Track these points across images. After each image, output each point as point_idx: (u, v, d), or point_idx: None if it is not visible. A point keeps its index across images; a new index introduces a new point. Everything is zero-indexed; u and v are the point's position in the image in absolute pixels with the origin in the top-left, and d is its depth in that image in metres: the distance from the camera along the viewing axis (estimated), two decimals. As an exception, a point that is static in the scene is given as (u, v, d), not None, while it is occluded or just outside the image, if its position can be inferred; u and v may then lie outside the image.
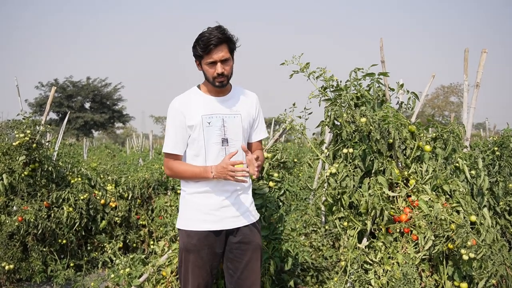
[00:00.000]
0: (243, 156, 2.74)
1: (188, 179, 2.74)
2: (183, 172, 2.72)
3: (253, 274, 2.78)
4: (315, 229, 5.25)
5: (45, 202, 4.86)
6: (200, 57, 2.64)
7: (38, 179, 4.92)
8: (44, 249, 4.91)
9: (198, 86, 2.81)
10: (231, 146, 2.72)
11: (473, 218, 2.88)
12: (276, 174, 3.52)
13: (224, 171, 2.52)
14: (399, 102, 3.32)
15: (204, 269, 2.73)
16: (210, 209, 2.71)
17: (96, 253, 5.38)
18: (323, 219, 5.22)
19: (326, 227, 5.09)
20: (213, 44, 2.56)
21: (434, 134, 3.25)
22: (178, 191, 5.83)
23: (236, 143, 2.74)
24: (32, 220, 4.61)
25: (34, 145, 4.80)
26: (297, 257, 3.76)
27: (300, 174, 7.69)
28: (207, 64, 2.62)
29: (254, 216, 2.86)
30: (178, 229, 2.81)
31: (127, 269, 3.85)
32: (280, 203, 3.56)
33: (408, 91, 3.25)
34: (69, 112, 8.99)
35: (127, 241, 5.64)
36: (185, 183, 2.80)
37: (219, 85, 2.67)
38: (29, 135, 4.77)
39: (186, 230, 2.73)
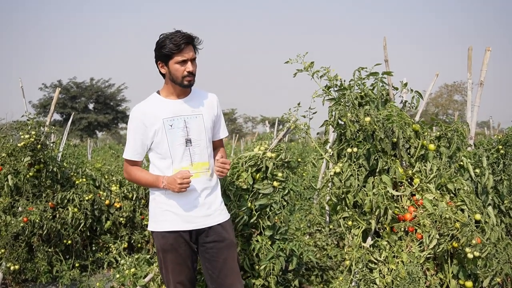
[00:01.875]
0: (209, 157, 2.86)
1: (141, 185, 2.82)
2: (139, 178, 2.82)
3: (232, 273, 2.82)
4: (319, 228, 5.26)
5: (50, 203, 4.88)
6: (168, 57, 2.67)
7: (43, 180, 4.93)
8: (49, 250, 4.93)
9: (158, 92, 2.86)
10: (195, 146, 2.78)
11: (478, 216, 2.89)
12: (280, 174, 3.52)
13: (174, 183, 2.63)
14: (403, 101, 3.32)
15: (184, 265, 2.78)
16: (181, 209, 2.75)
17: (101, 254, 5.40)
18: (327, 219, 5.23)
19: (331, 226, 5.10)
20: (184, 42, 2.64)
21: (438, 133, 3.25)
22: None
23: (200, 143, 2.80)
24: (37, 220, 4.62)
25: (39, 146, 4.82)
26: (301, 256, 3.77)
27: (304, 174, 7.70)
28: (177, 63, 2.66)
29: (225, 214, 2.90)
30: (152, 232, 2.84)
31: (132, 269, 3.87)
32: (285, 203, 3.56)
33: (412, 90, 3.25)
34: (73, 113, 9.02)
35: (132, 241, 5.66)
36: None
37: (187, 84, 2.73)
38: (34, 136, 4.78)
39: (161, 232, 2.76)
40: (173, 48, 2.62)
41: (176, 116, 2.75)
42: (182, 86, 2.74)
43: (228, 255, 2.81)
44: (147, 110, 2.76)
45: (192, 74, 2.70)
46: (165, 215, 2.76)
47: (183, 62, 2.67)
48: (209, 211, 2.80)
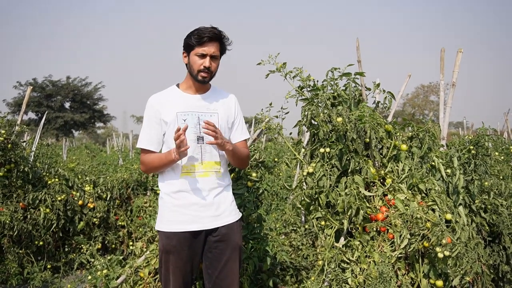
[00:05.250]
0: (221, 156, 2.77)
1: (159, 169, 2.72)
2: (152, 162, 2.72)
3: (231, 274, 2.76)
4: (295, 228, 5.27)
5: (21, 203, 4.79)
6: (191, 48, 2.66)
7: (14, 180, 4.85)
8: (20, 251, 4.84)
9: (177, 85, 2.82)
10: (207, 144, 2.70)
11: (449, 216, 2.92)
12: (254, 174, 3.51)
13: (177, 150, 2.53)
14: (376, 102, 3.34)
15: (184, 269, 2.71)
16: (187, 209, 2.68)
17: (74, 255, 5.31)
18: (303, 219, 5.24)
19: (306, 226, 5.11)
20: (208, 37, 2.62)
21: (410, 133, 3.27)
22: (158, 191, 5.79)
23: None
24: (7, 221, 4.53)
25: (10, 145, 4.73)
26: (276, 256, 3.76)
27: (280, 174, 7.70)
28: (196, 55, 2.65)
29: (235, 215, 2.83)
30: (157, 231, 2.78)
31: (105, 271, 3.82)
32: (259, 203, 3.56)
33: (384, 91, 3.27)
34: (46, 111, 8.88)
35: (106, 242, 5.59)
36: (161, 183, 2.78)
37: (201, 80, 2.69)
38: (4, 135, 4.69)
39: (165, 232, 2.70)
40: (196, 39, 2.62)
41: (191, 111, 2.71)
42: (197, 81, 2.70)
43: (230, 257, 2.76)
44: (163, 100, 2.73)
45: (208, 70, 2.67)
46: (171, 215, 2.69)
47: (202, 56, 2.65)
48: (217, 211, 2.73)
